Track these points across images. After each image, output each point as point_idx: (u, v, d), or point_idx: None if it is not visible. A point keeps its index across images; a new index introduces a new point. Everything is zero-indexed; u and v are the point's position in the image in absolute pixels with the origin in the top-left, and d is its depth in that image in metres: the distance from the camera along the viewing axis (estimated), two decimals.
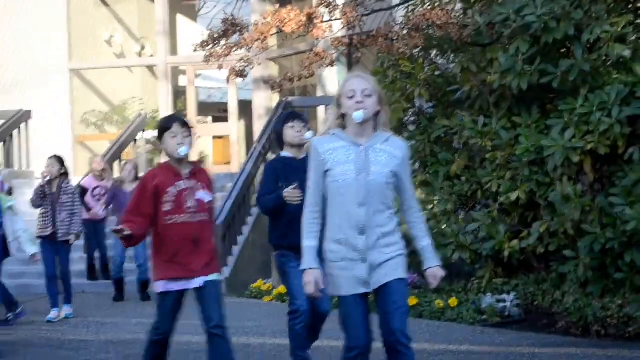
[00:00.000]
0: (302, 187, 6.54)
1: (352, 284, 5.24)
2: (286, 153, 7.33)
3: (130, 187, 13.88)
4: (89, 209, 15.31)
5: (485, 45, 11.10)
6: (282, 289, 13.54)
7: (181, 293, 6.54)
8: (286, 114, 7.52)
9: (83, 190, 15.20)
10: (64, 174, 11.98)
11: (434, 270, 5.41)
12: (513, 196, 10.08)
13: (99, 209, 15.19)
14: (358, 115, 5.20)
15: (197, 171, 6.42)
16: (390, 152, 5.34)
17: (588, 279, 9.54)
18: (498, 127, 10.42)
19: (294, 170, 7.06)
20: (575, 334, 9.17)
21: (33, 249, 9.82)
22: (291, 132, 7.21)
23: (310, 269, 5.28)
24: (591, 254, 9.38)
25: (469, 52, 11.18)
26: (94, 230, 15.46)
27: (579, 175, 9.91)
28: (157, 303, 6.59)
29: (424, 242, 5.45)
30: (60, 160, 12.04)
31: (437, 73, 11.85)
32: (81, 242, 15.32)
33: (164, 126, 6.29)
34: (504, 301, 10.33)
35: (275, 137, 7.49)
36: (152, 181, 6.28)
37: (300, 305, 7.13)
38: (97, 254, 15.67)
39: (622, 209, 9.07)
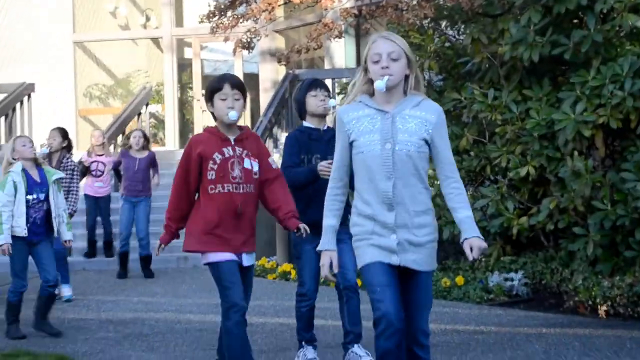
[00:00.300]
0: (323, 158, 6.76)
1: (379, 253, 4.95)
2: (308, 123, 7.15)
3: (138, 154, 14.01)
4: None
5: (496, 15, 11.03)
6: (286, 266, 13.51)
7: (235, 262, 6.09)
8: (308, 81, 7.22)
9: (85, 168, 15.07)
10: (65, 148, 11.86)
11: (472, 240, 4.89)
12: (522, 171, 9.99)
13: (100, 185, 15.11)
14: (379, 84, 4.89)
15: (246, 136, 6.14)
16: (422, 117, 4.96)
17: (597, 257, 9.47)
18: (508, 100, 10.35)
19: (316, 142, 7.02)
20: (583, 314, 9.13)
21: (68, 234, 9.58)
22: (314, 100, 7.03)
23: (327, 250, 5.10)
24: (601, 231, 9.32)
25: (479, 23, 11.10)
26: (95, 206, 15.36)
27: (590, 150, 9.84)
28: (215, 276, 6.13)
29: (463, 214, 5.00)
30: (63, 132, 11.92)
31: (447, 44, 11.75)
32: (82, 218, 15.30)
33: (214, 87, 6.06)
34: (512, 280, 10.28)
35: (297, 107, 7.27)
36: (197, 148, 6.03)
37: (308, 290, 7.11)
38: (99, 231, 15.60)
39: (633, 185, 9.00)
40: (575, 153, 9.44)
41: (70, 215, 10.87)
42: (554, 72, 10.66)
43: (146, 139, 14.34)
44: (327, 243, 5.11)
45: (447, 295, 10.42)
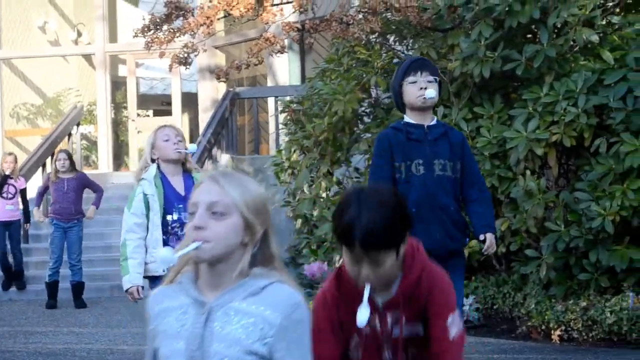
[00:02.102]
0: (427, 166, 5.56)
1: None
2: (409, 119, 5.74)
3: (66, 175, 14.10)
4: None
5: (446, 30, 11.19)
6: None
7: None
8: (407, 62, 5.85)
9: None
10: None
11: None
12: None
13: (11, 208, 15.19)
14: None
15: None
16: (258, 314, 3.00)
17: (551, 280, 9.64)
18: (458, 118, 10.47)
19: (417, 144, 5.65)
20: (536, 339, 9.30)
21: None
22: (413, 89, 5.61)
23: None
24: (554, 253, 9.49)
25: (428, 38, 11.26)
26: (4, 232, 15.27)
27: (543, 169, 10.03)
28: None
29: None
30: None
31: (395, 60, 11.91)
32: None
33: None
34: (463, 305, 10.43)
35: (394, 97, 5.87)
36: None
37: None
38: (10, 259, 15.50)
39: (587, 205, 9.16)
40: (528, 172, 9.63)
41: None
42: (506, 88, 10.84)
43: (71, 160, 14.40)
44: None
45: None
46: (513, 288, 10.23)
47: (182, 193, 6.20)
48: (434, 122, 5.70)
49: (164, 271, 5.49)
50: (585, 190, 9.34)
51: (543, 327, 9.28)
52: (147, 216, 6.11)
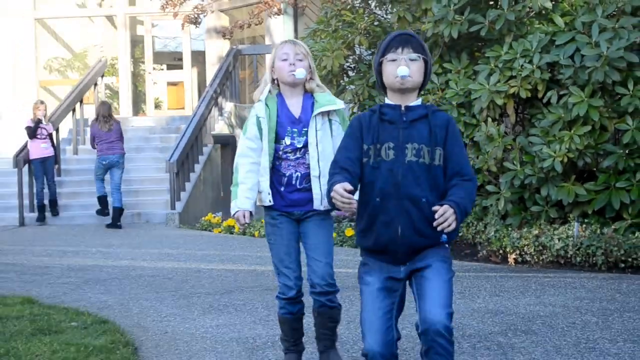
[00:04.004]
0: (399, 150, 3.83)
1: None
2: (389, 100, 3.95)
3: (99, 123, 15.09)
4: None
5: None
6: (231, 221, 13.57)
7: None
8: (388, 38, 3.96)
9: (33, 130, 15.37)
10: None
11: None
12: None
13: (43, 147, 15.55)
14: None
15: None
16: None
17: (508, 212, 9.66)
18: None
19: (389, 125, 3.89)
20: (495, 262, 9.32)
21: None
22: (391, 68, 3.85)
23: None
24: (511, 189, 9.50)
25: (405, 3, 11.18)
26: (42, 169, 15.42)
27: (502, 117, 10.00)
28: None
29: None
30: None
31: (375, 23, 11.81)
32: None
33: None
34: None
35: (376, 77, 4.01)
36: None
37: (369, 349, 3.85)
38: (45, 190, 15.59)
39: (540, 148, 9.15)
40: (489, 119, 9.60)
41: None
42: (471, 47, 10.78)
43: (110, 109, 15.49)
44: None
45: None
46: (475, 218, 10.24)
47: (297, 115, 4.90)
48: (415, 103, 3.88)
49: (270, 202, 4.86)
50: (538, 135, 9.32)
51: (501, 252, 9.31)
52: (261, 139, 4.89)
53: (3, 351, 5.74)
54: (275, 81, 4.96)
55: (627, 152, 8.97)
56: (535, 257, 8.93)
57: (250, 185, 4.85)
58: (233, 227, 13.26)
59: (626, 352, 5.43)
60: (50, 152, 15.52)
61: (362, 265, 3.88)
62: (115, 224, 14.52)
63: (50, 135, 15.65)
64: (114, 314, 7.13)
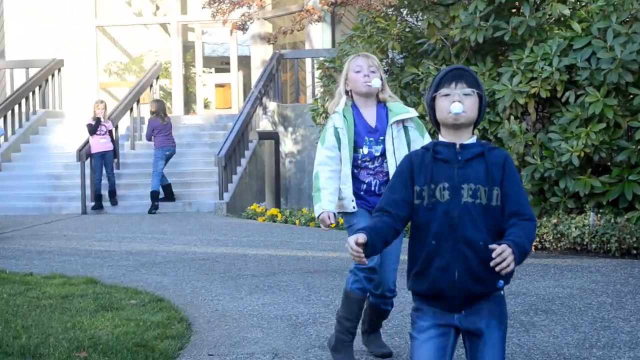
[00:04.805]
0: (454, 191, 3.31)
1: None
2: (443, 137, 3.40)
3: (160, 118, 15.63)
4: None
5: (449, 4, 11.07)
6: (274, 210, 13.63)
7: None
8: (441, 73, 3.43)
9: (93, 127, 15.57)
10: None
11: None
12: None
13: (103, 142, 15.78)
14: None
15: None
16: None
17: (528, 202, 9.61)
18: None
19: (444, 165, 3.35)
20: None
21: None
22: (445, 104, 3.33)
23: None
24: (532, 181, 9.47)
25: (434, 11, 11.14)
26: (101, 162, 15.62)
27: (523, 115, 9.96)
28: None
29: None
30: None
31: (407, 29, 11.80)
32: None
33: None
34: None
35: (428, 113, 3.47)
36: None
37: None
38: (104, 181, 15.77)
39: (558, 144, 9.13)
40: (512, 117, 9.57)
41: None
42: (496, 51, 10.72)
43: (164, 105, 16.07)
44: None
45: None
46: None
47: (373, 125, 4.72)
48: (471, 141, 3.36)
49: (354, 208, 4.69)
50: (557, 132, 9.30)
51: None
52: (340, 149, 4.71)
53: (70, 325, 5.84)
54: (349, 92, 4.82)
55: (639, 147, 8.92)
56: (554, 244, 8.90)
57: (332, 190, 4.67)
58: (276, 216, 13.33)
59: (638, 329, 5.43)
60: (109, 146, 15.69)
61: (415, 310, 3.42)
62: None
63: (110, 131, 15.81)
64: (169, 293, 7.21)
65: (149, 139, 15.83)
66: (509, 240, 3.17)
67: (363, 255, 3.22)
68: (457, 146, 3.35)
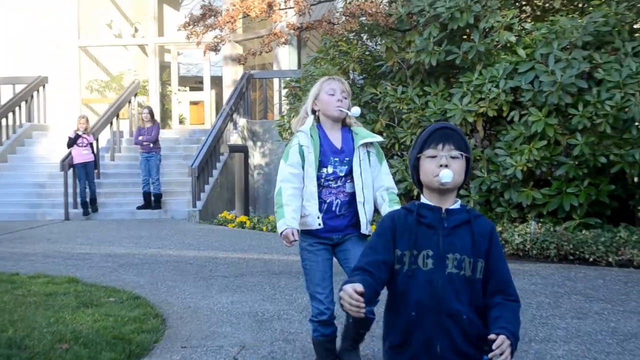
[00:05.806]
0: (438, 260, 2.85)
1: None
2: (426, 200, 2.95)
3: (148, 125, 15.97)
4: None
5: (405, 30, 11.13)
6: (243, 218, 13.63)
7: None
8: (428, 131, 2.96)
9: (72, 141, 15.53)
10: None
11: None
12: None
13: (84, 153, 15.73)
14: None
15: None
16: None
17: None
18: (413, 94, 10.48)
19: (429, 230, 2.89)
20: None
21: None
22: (430, 166, 2.90)
23: None
24: (479, 192, 9.56)
25: (392, 36, 11.21)
26: (84, 172, 15.57)
27: (472, 132, 10.05)
28: None
29: None
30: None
31: (367, 52, 11.87)
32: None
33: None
34: None
35: (411, 172, 3.03)
36: None
37: None
38: (87, 190, 15.70)
39: (504, 159, 9.22)
40: None
41: None
42: (448, 73, 10.80)
43: (151, 113, 16.32)
44: None
45: None
46: None
47: (339, 146, 4.48)
48: (455, 206, 2.91)
49: (319, 225, 4.40)
50: (502, 148, 9.38)
51: None
52: (303, 167, 4.43)
53: (53, 320, 5.83)
54: (317, 113, 4.56)
55: (576, 163, 9.03)
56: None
57: (294, 207, 4.37)
58: (245, 222, 13.34)
59: (573, 326, 5.52)
60: (90, 157, 15.64)
61: None
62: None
63: (91, 144, 15.75)
64: (145, 292, 7.21)
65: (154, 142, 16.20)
66: (505, 329, 2.72)
67: (363, 306, 2.65)
68: (443, 211, 2.89)
